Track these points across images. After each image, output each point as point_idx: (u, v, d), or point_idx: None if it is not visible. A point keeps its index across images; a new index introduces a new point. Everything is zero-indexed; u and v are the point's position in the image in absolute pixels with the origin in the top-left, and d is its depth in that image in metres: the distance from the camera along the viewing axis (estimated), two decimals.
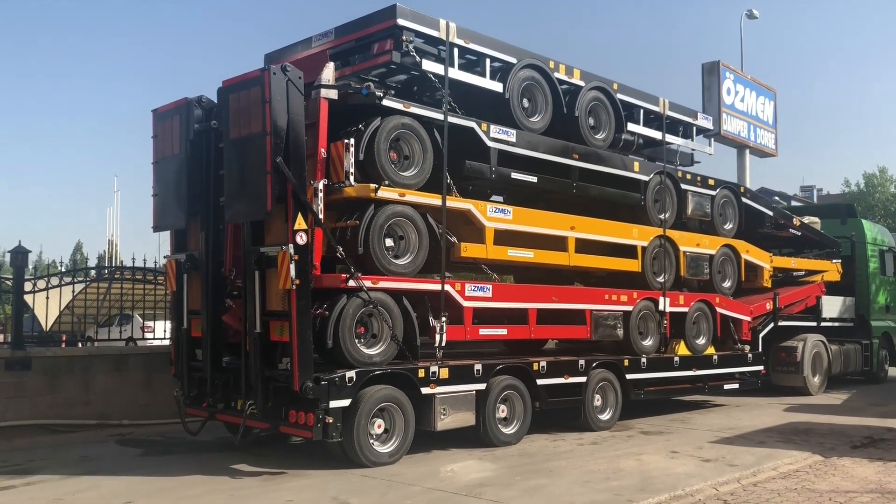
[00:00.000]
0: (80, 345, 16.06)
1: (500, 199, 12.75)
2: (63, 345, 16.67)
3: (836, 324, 18.96)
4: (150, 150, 10.58)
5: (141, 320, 19.68)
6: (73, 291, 15.10)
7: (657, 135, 14.15)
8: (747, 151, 23.91)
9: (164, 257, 10.78)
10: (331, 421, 8.83)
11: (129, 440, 11.34)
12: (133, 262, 14.06)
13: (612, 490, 8.09)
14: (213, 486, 8.42)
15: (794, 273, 18.23)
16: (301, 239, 8.81)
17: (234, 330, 10.24)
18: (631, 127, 13.59)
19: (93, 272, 20.02)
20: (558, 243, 11.98)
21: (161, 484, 8.53)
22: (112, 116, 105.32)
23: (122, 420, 12.43)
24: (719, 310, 14.93)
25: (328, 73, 9.42)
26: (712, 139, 15.68)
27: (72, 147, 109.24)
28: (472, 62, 11.26)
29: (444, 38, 10.51)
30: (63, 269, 14.64)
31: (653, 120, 14.31)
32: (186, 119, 9.99)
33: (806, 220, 18.29)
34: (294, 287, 8.68)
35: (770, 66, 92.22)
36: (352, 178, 9.34)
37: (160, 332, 16.78)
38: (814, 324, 18.12)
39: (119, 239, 47.88)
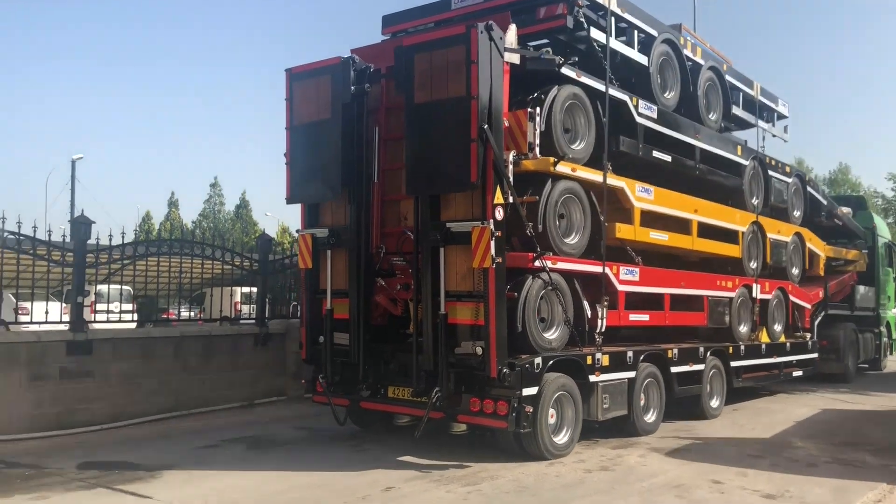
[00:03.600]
0: None
1: None
2: None
3: (863, 313, 19.35)
4: None
5: (14, 300, 15.26)
6: None
7: (750, 119, 13.95)
8: None
9: (297, 232, 9.83)
10: (530, 410, 8.22)
11: None
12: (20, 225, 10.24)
13: None
14: None
15: (834, 263, 18.44)
16: (499, 214, 8.11)
17: (381, 311, 9.48)
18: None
19: None
20: (683, 226, 11.60)
21: None
22: None
23: None
24: (791, 297, 14.92)
25: (511, 35, 8.69)
26: (787, 126, 15.59)
27: None
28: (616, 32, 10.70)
29: (605, 4, 9.92)
30: None
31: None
32: (342, 80, 9.05)
33: (844, 210, 18.53)
34: (494, 266, 7.99)
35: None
36: (537, 150, 8.68)
37: (38, 314, 11.77)
38: (848, 312, 18.41)
39: None
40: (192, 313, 16.24)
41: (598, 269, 9.58)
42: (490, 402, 8.26)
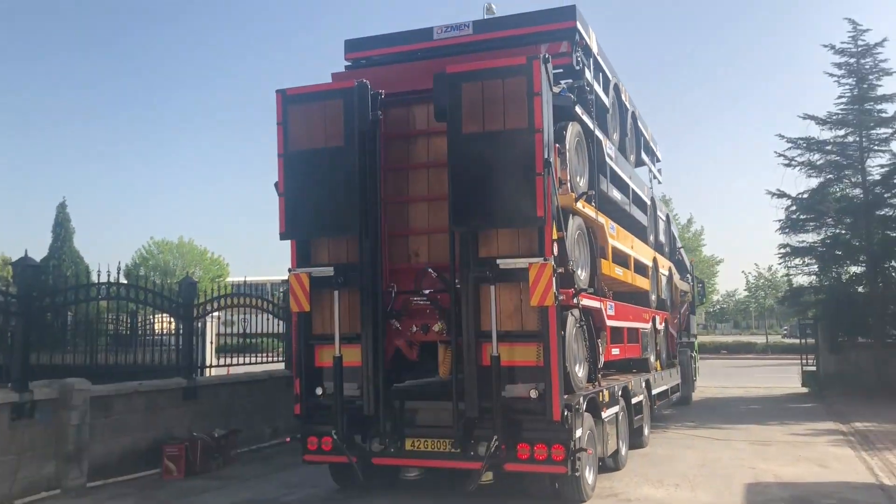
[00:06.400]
0: None
1: None
2: None
3: (692, 340, 21.34)
4: None
5: None
6: None
7: (647, 160, 14.91)
8: None
9: (289, 271, 8.78)
10: (591, 452, 7.97)
11: None
12: None
13: None
14: None
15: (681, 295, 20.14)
16: (556, 249, 7.87)
17: (389, 357, 8.74)
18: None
19: None
20: (625, 261, 12.03)
21: None
22: None
23: None
24: (670, 328, 16.03)
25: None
26: (661, 168, 16.85)
27: None
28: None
29: (592, 47, 10.12)
30: None
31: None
32: (358, 105, 8.32)
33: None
34: (556, 304, 7.71)
35: None
36: (568, 185, 8.58)
37: None
38: (687, 339, 20.20)
39: None
40: None
41: (598, 304, 9.64)
42: (542, 446, 7.89)
